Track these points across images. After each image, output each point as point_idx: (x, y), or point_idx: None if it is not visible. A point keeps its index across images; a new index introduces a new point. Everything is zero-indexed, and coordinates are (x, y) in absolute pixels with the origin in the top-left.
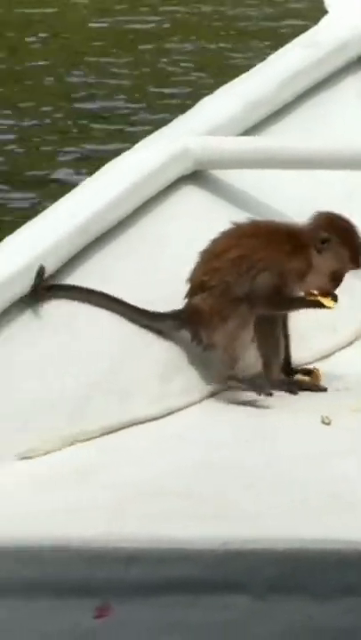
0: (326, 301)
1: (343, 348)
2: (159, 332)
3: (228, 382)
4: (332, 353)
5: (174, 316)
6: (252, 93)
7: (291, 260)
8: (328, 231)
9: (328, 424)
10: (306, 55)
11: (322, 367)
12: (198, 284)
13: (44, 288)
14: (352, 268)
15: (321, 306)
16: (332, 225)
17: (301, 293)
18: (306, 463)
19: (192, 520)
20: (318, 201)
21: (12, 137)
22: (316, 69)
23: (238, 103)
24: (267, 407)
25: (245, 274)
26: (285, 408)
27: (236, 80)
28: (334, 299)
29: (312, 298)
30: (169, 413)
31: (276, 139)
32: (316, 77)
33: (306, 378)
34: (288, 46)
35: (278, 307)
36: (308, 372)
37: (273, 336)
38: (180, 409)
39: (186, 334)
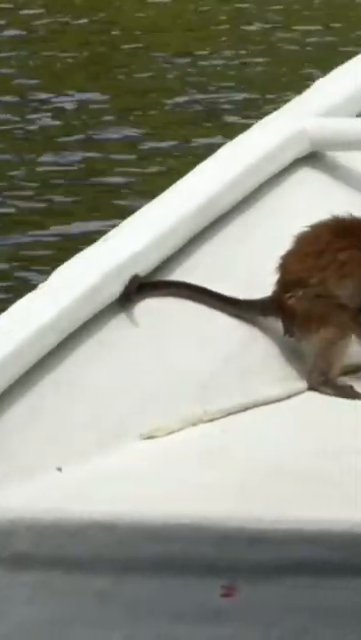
0: None
1: None
2: (254, 321)
3: (320, 388)
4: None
5: (263, 307)
6: None
7: None
8: None
9: None
10: None
11: None
12: (295, 280)
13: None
14: None
15: None
16: None
17: None
18: None
19: (317, 501)
20: None
21: None
22: None
23: (355, 83)
24: None
25: (353, 277)
26: None
27: (353, 60)
28: None
29: None
30: (290, 396)
31: None
32: None
33: None
34: None
35: None
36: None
37: (343, 342)
38: (301, 391)
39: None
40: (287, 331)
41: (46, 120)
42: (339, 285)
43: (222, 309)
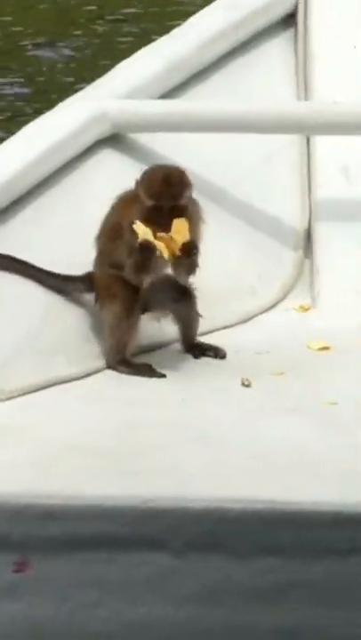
0: (141, 230)
1: (264, 311)
2: (69, 295)
3: (117, 368)
4: (253, 316)
5: (82, 280)
6: (171, 56)
7: (132, 214)
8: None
9: (248, 386)
10: (228, 17)
11: (242, 329)
12: (97, 251)
13: None
14: (152, 203)
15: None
16: (144, 171)
17: None
18: (225, 424)
19: (112, 477)
20: (237, 164)
21: None
22: (238, 31)
23: (158, 65)
24: (187, 369)
25: (118, 241)
26: (207, 371)
27: (156, 42)
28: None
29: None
30: (89, 374)
31: (196, 102)
32: (237, 40)
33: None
34: (209, 8)
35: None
36: (212, 349)
37: (131, 317)
38: (99, 370)
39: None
40: (96, 304)
41: None
42: (115, 250)
43: (41, 282)
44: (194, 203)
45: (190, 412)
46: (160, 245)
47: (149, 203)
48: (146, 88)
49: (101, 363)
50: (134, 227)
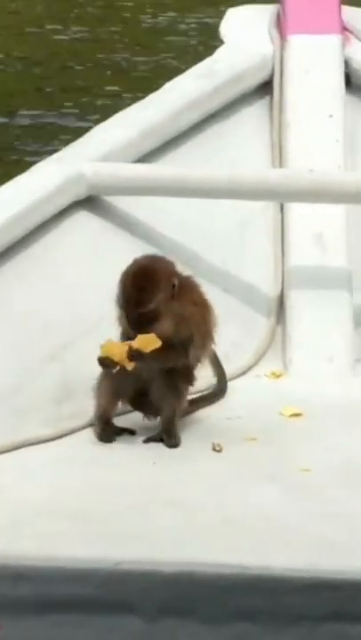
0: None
1: (236, 377)
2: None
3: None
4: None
5: None
6: (147, 121)
7: None
8: None
9: (219, 451)
10: (202, 85)
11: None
12: None
13: None
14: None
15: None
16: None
17: None
18: (196, 488)
19: (83, 540)
20: (211, 229)
21: None
22: (212, 99)
23: (133, 130)
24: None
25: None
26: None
27: (132, 107)
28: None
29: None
30: (62, 435)
31: (171, 167)
32: (211, 107)
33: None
34: (184, 75)
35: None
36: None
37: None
38: (73, 431)
39: None
40: None
41: None
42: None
43: None
44: (187, 291)
45: (161, 476)
46: (121, 356)
47: (119, 303)
48: (122, 152)
49: (74, 424)
50: (101, 344)
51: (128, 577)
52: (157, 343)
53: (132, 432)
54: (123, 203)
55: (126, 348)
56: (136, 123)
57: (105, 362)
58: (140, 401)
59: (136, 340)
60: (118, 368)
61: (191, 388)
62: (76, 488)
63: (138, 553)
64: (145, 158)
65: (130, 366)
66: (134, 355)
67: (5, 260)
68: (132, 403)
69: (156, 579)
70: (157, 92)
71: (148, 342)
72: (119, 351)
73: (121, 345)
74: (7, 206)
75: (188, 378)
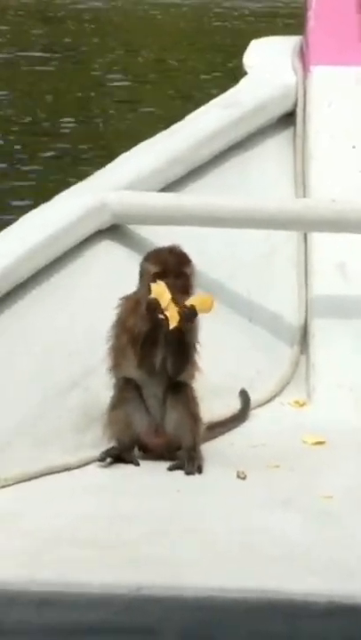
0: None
1: (260, 405)
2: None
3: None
4: (250, 410)
5: None
6: (171, 150)
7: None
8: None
9: (243, 479)
10: (225, 115)
11: (239, 424)
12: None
13: None
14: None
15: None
16: (147, 253)
17: None
18: (219, 515)
19: (105, 566)
20: (235, 258)
21: None
22: (236, 129)
23: (157, 159)
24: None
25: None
26: (203, 462)
27: (156, 137)
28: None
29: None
30: (84, 464)
31: (194, 196)
32: (235, 137)
33: None
34: (207, 106)
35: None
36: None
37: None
38: (94, 459)
39: None
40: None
41: None
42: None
43: None
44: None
45: (185, 503)
46: (169, 306)
47: (156, 269)
48: (145, 181)
49: (96, 452)
50: (152, 284)
51: (149, 602)
52: (212, 306)
53: (136, 464)
54: (146, 231)
55: (174, 303)
56: (160, 152)
57: (153, 304)
58: (155, 443)
59: (192, 297)
60: (162, 318)
61: (211, 415)
62: (99, 515)
63: (159, 578)
64: (168, 187)
65: (173, 323)
66: (187, 312)
67: (29, 289)
68: (145, 448)
69: (177, 604)
70: (181, 121)
71: (205, 303)
72: (169, 300)
73: (171, 296)
74: (31, 235)
75: (196, 401)
